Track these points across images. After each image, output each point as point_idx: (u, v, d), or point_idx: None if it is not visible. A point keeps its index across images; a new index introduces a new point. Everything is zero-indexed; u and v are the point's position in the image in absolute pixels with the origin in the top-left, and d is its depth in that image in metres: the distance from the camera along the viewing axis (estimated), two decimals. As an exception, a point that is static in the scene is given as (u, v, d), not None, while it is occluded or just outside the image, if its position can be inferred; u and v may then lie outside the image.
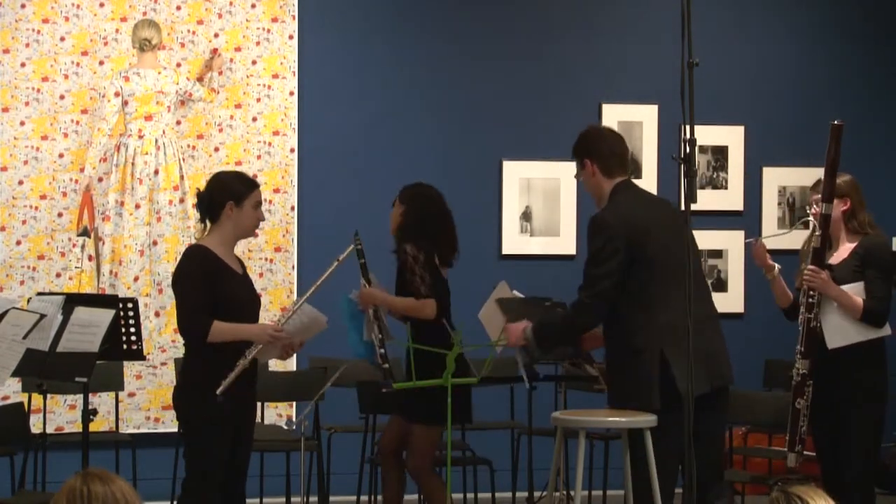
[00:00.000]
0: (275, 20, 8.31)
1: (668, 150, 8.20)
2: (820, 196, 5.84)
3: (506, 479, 7.79)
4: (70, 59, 8.07)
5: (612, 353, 5.42)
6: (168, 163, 8.16)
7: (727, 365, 5.40)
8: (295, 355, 8.13)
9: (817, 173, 8.85)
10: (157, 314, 8.11)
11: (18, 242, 8.01)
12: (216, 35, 8.25)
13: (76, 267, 8.05)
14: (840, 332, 5.75)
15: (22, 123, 8.02)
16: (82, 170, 8.07)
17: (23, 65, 8.03)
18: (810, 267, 5.76)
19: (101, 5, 8.11)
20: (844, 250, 5.90)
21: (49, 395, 7.34)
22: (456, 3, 8.71)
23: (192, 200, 8.04)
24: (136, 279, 8.10)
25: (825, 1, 9.13)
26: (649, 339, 5.20)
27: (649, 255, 5.28)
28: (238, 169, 7.58)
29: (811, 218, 5.93)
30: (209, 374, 5.36)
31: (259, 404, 7.59)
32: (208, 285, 5.40)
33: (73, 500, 2.83)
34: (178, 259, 5.69)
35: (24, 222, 8.02)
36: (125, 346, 5.91)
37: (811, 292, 5.77)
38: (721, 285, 8.84)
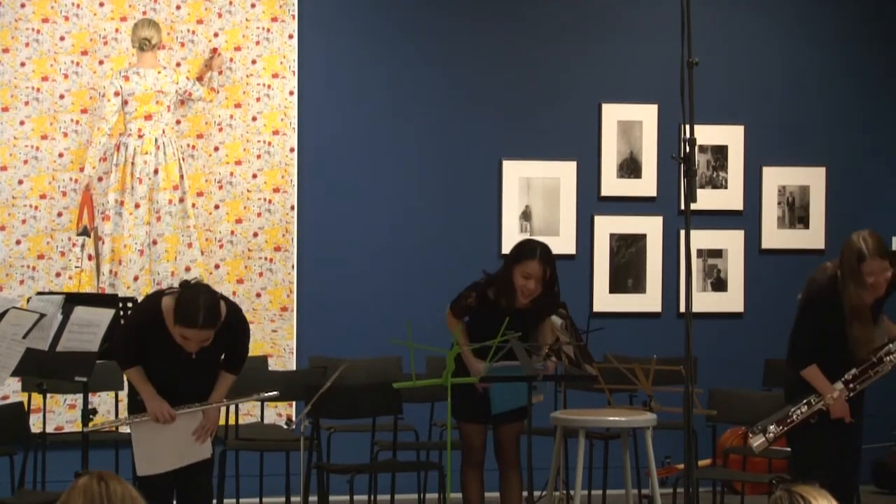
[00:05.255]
0: (275, 20, 8.31)
1: (668, 150, 8.21)
2: None
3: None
4: (70, 59, 8.07)
5: None
6: (168, 162, 8.16)
7: None
8: (295, 354, 8.22)
9: (817, 172, 8.98)
10: (156, 314, 8.10)
11: (18, 242, 8.01)
12: (216, 34, 8.25)
13: (76, 266, 8.05)
14: None
15: (22, 123, 8.02)
16: (82, 169, 8.07)
17: (22, 64, 8.03)
18: None
19: (101, 5, 8.11)
20: None
21: (49, 395, 7.34)
22: (456, 4, 8.70)
23: (191, 200, 8.06)
24: (135, 279, 8.10)
25: (825, 1, 9.12)
26: None
27: None
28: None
29: None
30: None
31: (259, 404, 7.59)
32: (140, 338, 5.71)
33: (93, 499, 2.80)
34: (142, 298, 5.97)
35: (23, 222, 8.02)
36: (125, 346, 5.91)
37: None
38: (721, 285, 8.84)
